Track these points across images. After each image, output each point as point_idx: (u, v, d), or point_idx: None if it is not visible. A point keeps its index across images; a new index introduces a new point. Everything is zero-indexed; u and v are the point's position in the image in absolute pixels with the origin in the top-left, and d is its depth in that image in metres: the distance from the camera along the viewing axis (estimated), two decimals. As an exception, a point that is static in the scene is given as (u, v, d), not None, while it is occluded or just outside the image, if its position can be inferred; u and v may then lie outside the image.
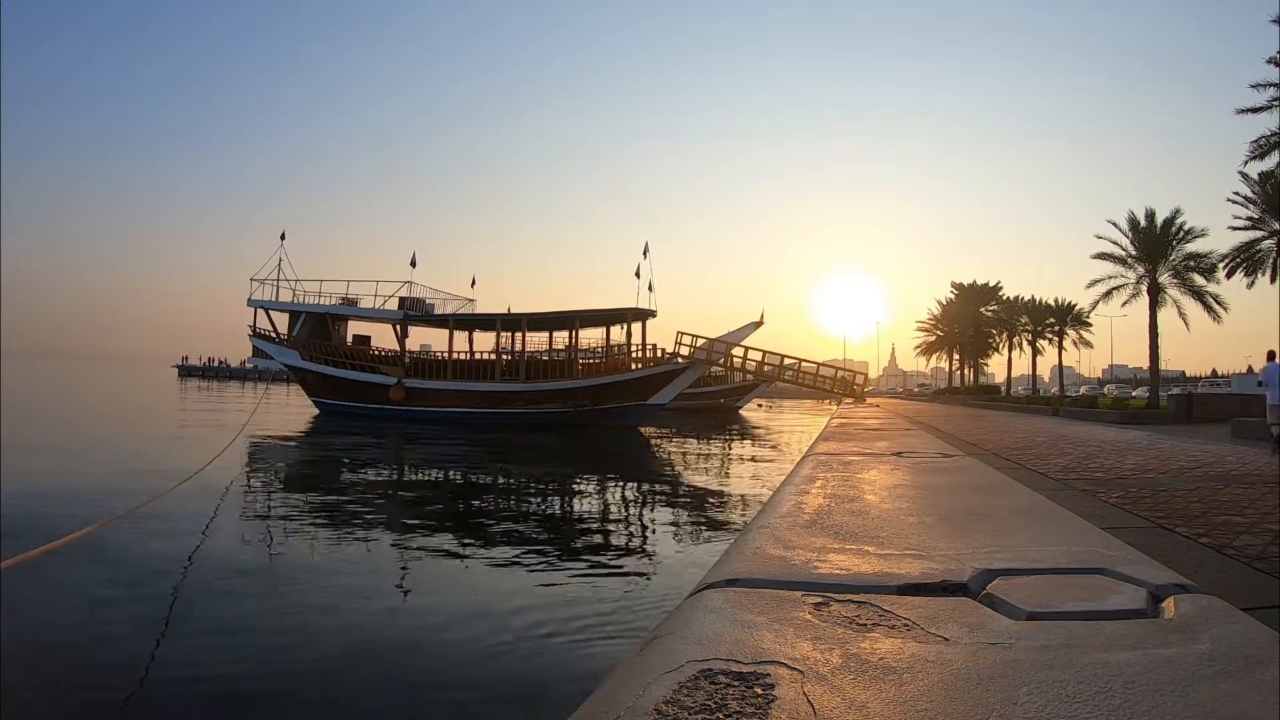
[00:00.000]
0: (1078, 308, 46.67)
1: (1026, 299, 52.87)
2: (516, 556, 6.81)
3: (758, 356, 27.17)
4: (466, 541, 7.45)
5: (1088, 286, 32.04)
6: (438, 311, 28.37)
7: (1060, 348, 49.90)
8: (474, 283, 30.66)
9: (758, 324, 25.76)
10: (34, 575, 5.43)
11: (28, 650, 4.27)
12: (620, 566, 6.65)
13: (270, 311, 28.48)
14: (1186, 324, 29.52)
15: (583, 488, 12.42)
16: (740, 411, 44.09)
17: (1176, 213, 29.33)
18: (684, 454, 18.93)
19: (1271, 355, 11.90)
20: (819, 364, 29.84)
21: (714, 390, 41.61)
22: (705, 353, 25.81)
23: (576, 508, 10.32)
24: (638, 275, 26.56)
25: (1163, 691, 1.46)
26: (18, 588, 5.12)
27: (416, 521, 8.55)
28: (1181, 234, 29.03)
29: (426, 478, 13.00)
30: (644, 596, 5.65)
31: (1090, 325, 48.35)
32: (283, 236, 28.51)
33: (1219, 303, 28.68)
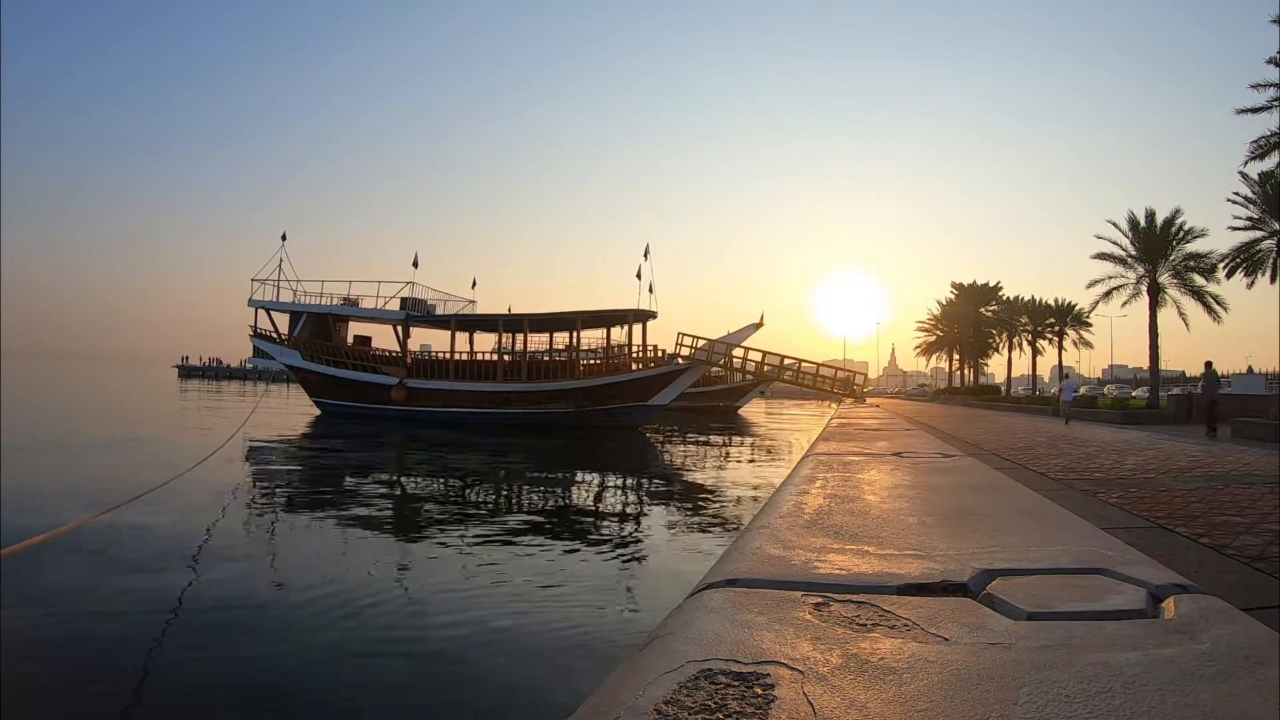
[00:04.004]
0: (1078, 308, 46.71)
1: (1026, 299, 52.89)
2: (516, 555, 6.81)
3: (757, 357, 27.17)
4: (465, 541, 7.45)
5: (1088, 286, 32.04)
6: (439, 312, 28.38)
7: (1060, 348, 49.92)
8: (474, 284, 30.68)
9: (758, 325, 25.76)
10: (34, 564, 5.44)
11: (29, 638, 4.28)
12: (620, 566, 6.65)
13: (271, 312, 28.47)
14: (1186, 324, 29.51)
15: (583, 488, 12.41)
16: (740, 412, 44.10)
17: (1176, 213, 29.32)
18: (684, 454, 18.94)
19: (1067, 375, 25.50)
20: (819, 364, 29.80)
21: (714, 390, 41.62)
22: (706, 354, 25.82)
23: (577, 508, 10.32)
24: (639, 277, 26.61)
25: (1163, 691, 1.46)
26: (18, 576, 5.13)
27: (416, 521, 8.56)
28: (1181, 234, 29.02)
29: (427, 477, 13.00)
30: (644, 596, 5.65)
31: (1090, 325, 48.40)
32: (283, 237, 28.51)
33: (1219, 303, 28.67)
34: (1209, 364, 17.09)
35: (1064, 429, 15.56)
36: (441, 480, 12.65)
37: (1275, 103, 21.28)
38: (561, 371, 26.22)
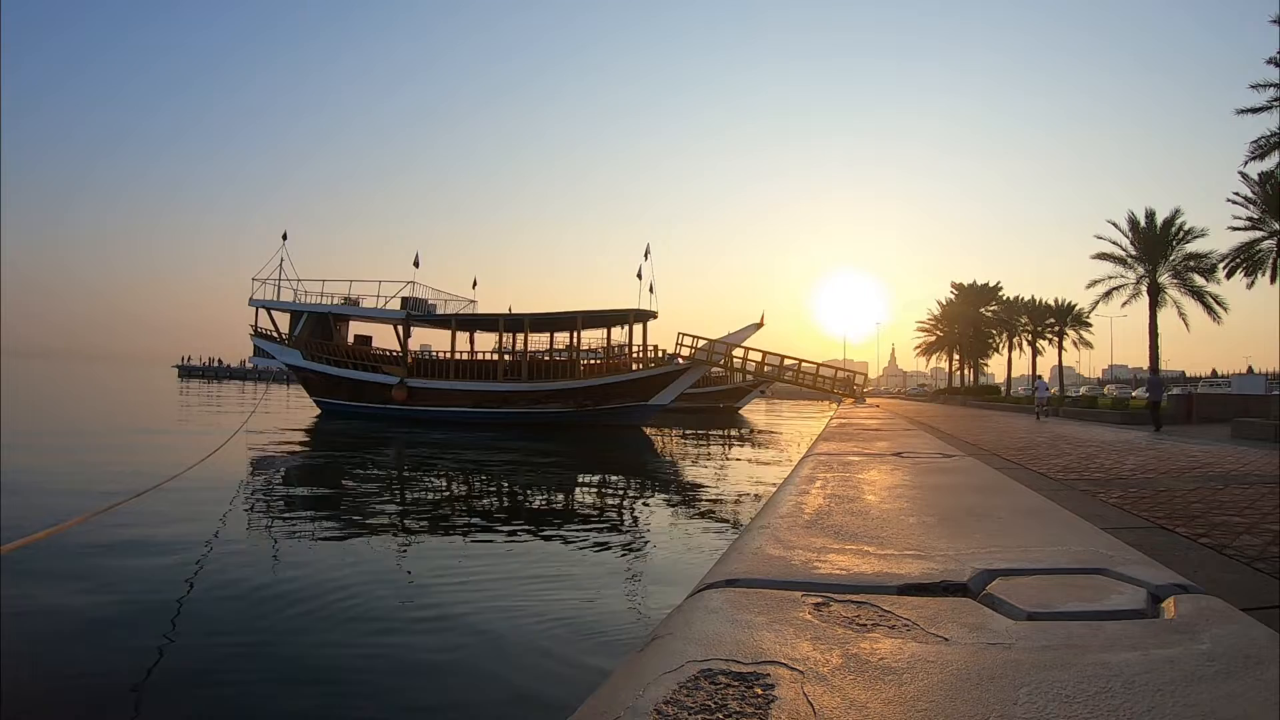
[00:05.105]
0: (1078, 308, 46.78)
1: (1026, 299, 52.95)
2: (516, 555, 6.81)
3: (758, 357, 27.17)
4: (466, 541, 7.46)
5: (1088, 286, 32.17)
6: (440, 312, 28.38)
7: (1060, 348, 49.97)
8: (475, 284, 30.70)
9: (758, 325, 25.77)
10: (34, 561, 5.45)
11: (29, 636, 4.28)
12: (620, 566, 6.65)
13: (272, 311, 28.47)
14: (1186, 324, 29.61)
15: (584, 488, 12.42)
16: (741, 412, 44.10)
17: (1176, 213, 29.38)
18: (684, 454, 18.93)
19: (1039, 377, 34.75)
20: (819, 364, 29.79)
21: (715, 390, 41.62)
22: (706, 354, 25.82)
23: (577, 507, 10.32)
24: (639, 276, 26.62)
25: (1163, 692, 1.46)
26: (19, 574, 5.14)
27: (416, 521, 8.56)
28: (1181, 234, 29.07)
29: (427, 477, 13.00)
30: (644, 596, 5.65)
31: (1090, 325, 48.50)
32: (284, 236, 28.52)
33: (1219, 303, 28.73)
34: (1154, 370, 20.75)
35: (1062, 429, 15.66)
36: (441, 480, 12.65)
37: (1275, 103, 21.29)
38: (562, 371, 26.22)
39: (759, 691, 1.45)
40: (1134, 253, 30.06)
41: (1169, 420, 21.33)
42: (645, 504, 10.83)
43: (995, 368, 69.10)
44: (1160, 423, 18.09)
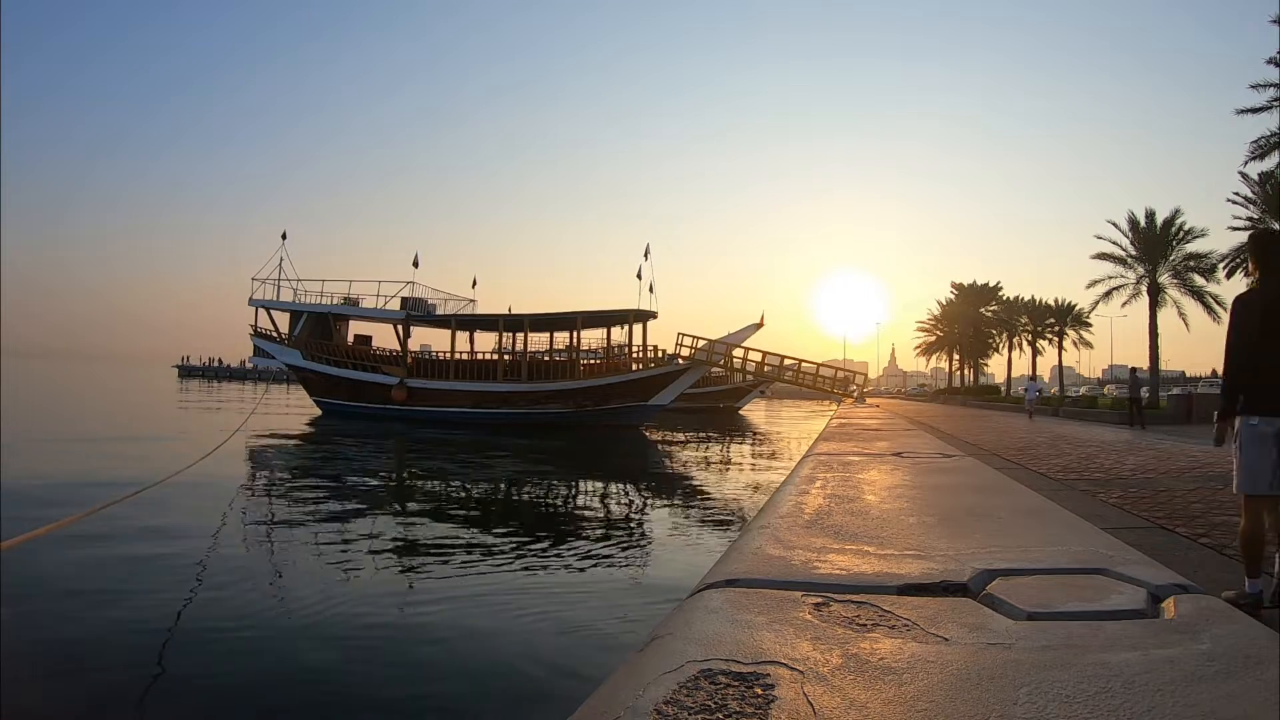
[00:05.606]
0: (1078, 308, 46.73)
1: (1026, 299, 52.92)
2: (516, 556, 6.80)
3: (758, 357, 27.17)
4: (466, 541, 7.45)
5: (1088, 287, 32.10)
6: (439, 312, 28.37)
7: (1060, 348, 49.94)
8: (475, 283, 30.67)
9: (758, 325, 25.76)
10: (33, 559, 5.45)
11: (28, 634, 4.28)
12: (620, 566, 6.65)
13: (272, 311, 28.44)
14: (1186, 324, 29.54)
15: (583, 488, 12.41)
16: (741, 412, 44.10)
17: (1176, 213, 29.34)
18: (684, 454, 18.93)
19: (1033, 377, 36.67)
20: (819, 364, 29.77)
21: (715, 390, 41.62)
22: (706, 354, 25.81)
23: (577, 508, 10.32)
24: (639, 277, 26.59)
25: (1163, 691, 1.46)
26: (18, 572, 5.14)
27: (417, 521, 8.55)
28: (1181, 234, 29.04)
29: (427, 478, 13.00)
30: (644, 596, 5.65)
31: (1090, 325, 48.43)
32: (284, 236, 28.48)
33: (1219, 303, 28.68)
34: (1134, 369, 20.72)
35: (1061, 429, 15.72)
36: (440, 480, 12.65)
37: (1275, 103, 21.26)
38: (562, 371, 26.20)
39: (759, 691, 1.45)
40: (1134, 253, 30.03)
41: (1168, 420, 21.36)
42: (645, 504, 10.82)
43: (995, 368, 69.10)
44: (1143, 420, 18.34)
